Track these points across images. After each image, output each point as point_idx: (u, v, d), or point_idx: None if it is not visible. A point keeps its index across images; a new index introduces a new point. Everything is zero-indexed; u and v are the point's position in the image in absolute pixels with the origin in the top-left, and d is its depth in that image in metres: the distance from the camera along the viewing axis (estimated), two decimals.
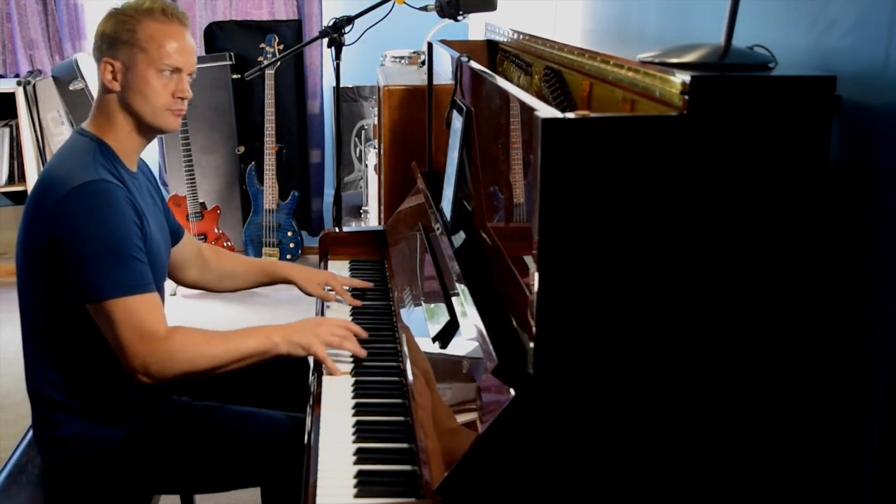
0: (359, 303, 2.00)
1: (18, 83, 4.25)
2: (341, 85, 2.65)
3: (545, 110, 1.05)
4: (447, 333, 1.47)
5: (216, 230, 4.44)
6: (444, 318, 1.50)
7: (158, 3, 1.71)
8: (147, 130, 1.73)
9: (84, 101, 4.31)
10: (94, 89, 4.28)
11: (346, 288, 2.08)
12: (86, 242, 1.56)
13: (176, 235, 1.96)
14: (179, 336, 1.61)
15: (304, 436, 1.54)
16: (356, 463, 1.38)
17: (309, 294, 2.07)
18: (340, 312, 1.98)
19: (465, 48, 2.12)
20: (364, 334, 1.76)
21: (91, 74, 4.33)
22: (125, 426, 1.73)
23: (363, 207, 4.15)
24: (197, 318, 2.25)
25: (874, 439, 1.10)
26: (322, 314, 1.99)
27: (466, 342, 1.36)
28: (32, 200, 1.66)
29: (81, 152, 1.67)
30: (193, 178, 4.34)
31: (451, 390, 1.38)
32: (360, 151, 4.71)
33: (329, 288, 2.06)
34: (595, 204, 1.02)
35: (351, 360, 1.73)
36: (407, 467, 1.36)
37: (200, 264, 2.08)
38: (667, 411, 1.10)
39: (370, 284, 2.13)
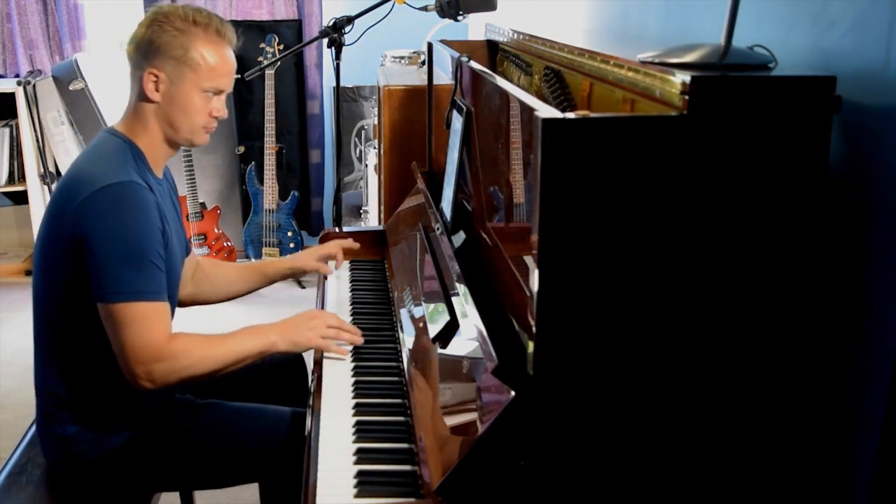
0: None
1: (18, 83, 4.25)
2: (341, 85, 2.65)
3: (545, 110, 1.05)
4: (447, 333, 1.47)
5: (216, 230, 4.44)
6: (444, 318, 1.50)
7: (213, 19, 1.69)
8: (178, 143, 1.73)
9: (84, 101, 4.31)
10: (94, 89, 4.31)
11: (348, 289, 2.10)
12: (107, 241, 1.55)
13: (187, 249, 1.96)
14: (180, 343, 1.61)
15: (303, 431, 1.54)
16: (356, 463, 1.38)
17: (309, 271, 2.14)
18: (340, 312, 1.98)
19: (465, 48, 2.12)
20: (359, 338, 1.77)
21: (91, 74, 4.33)
22: (130, 425, 1.73)
23: (363, 207, 4.15)
24: (198, 317, 2.25)
25: (874, 439, 1.10)
26: (322, 306, 2.00)
27: (466, 342, 1.36)
28: (58, 196, 1.65)
29: (113, 152, 1.66)
30: (193, 178, 4.34)
31: (451, 390, 1.38)
32: (360, 151, 4.72)
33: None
34: (595, 204, 1.02)
35: (350, 354, 1.74)
36: (407, 467, 1.36)
37: (197, 279, 2.07)
38: (667, 411, 1.10)
39: (357, 245, 2.22)
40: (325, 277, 2.25)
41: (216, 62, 1.67)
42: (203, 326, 1.77)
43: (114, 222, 1.56)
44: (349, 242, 2.19)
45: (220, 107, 1.72)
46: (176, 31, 1.64)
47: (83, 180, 1.60)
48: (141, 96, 1.68)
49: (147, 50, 1.66)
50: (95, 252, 1.56)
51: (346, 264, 2.33)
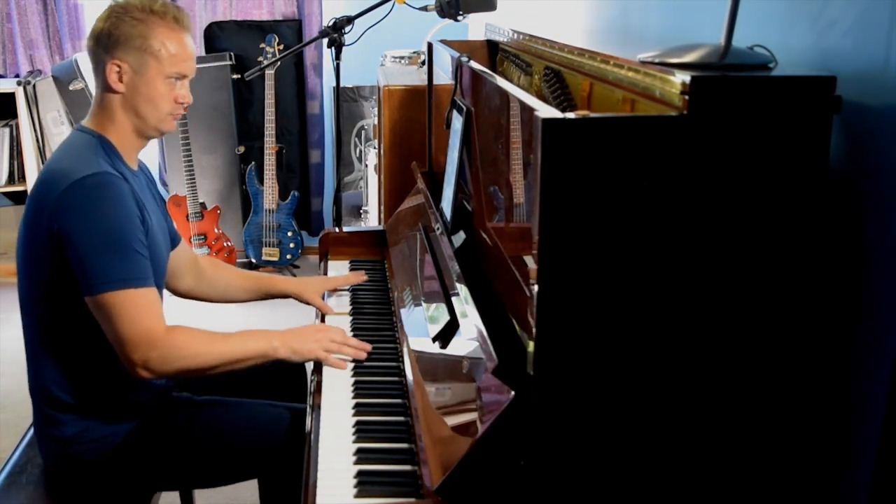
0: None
1: (18, 83, 4.25)
2: (341, 85, 2.65)
3: (545, 110, 1.05)
4: (447, 333, 1.47)
5: (216, 230, 4.44)
6: (444, 318, 1.50)
7: (170, 7, 1.71)
8: (147, 132, 1.74)
9: (84, 101, 4.31)
10: (93, 87, 4.32)
11: (347, 289, 2.10)
12: (87, 233, 1.56)
13: (174, 241, 1.96)
14: (180, 333, 1.62)
15: (303, 429, 1.53)
16: (356, 463, 1.38)
17: (308, 303, 2.07)
18: (340, 320, 1.98)
19: (465, 48, 2.12)
20: (367, 348, 1.75)
21: (91, 74, 4.33)
22: (127, 424, 1.73)
23: (363, 207, 4.15)
24: (199, 317, 2.25)
25: (874, 439, 1.10)
26: (322, 320, 1.99)
27: (466, 342, 1.36)
28: (34, 196, 1.66)
29: (84, 147, 1.67)
30: (193, 178, 4.34)
31: (451, 390, 1.38)
32: (360, 151, 4.71)
33: (331, 292, 2.07)
34: (595, 204, 1.02)
35: (351, 359, 1.74)
36: (407, 467, 1.36)
37: (196, 274, 2.07)
38: (667, 411, 1.10)
39: (365, 277, 2.15)
40: (325, 273, 2.25)
41: (177, 49, 1.69)
42: (202, 324, 1.76)
43: (92, 213, 1.57)
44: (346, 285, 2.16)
45: (185, 93, 1.74)
46: (135, 21, 1.66)
47: (57, 177, 1.61)
48: (106, 88, 1.70)
49: (108, 42, 1.67)
50: (77, 245, 1.56)
51: (345, 264, 2.33)
